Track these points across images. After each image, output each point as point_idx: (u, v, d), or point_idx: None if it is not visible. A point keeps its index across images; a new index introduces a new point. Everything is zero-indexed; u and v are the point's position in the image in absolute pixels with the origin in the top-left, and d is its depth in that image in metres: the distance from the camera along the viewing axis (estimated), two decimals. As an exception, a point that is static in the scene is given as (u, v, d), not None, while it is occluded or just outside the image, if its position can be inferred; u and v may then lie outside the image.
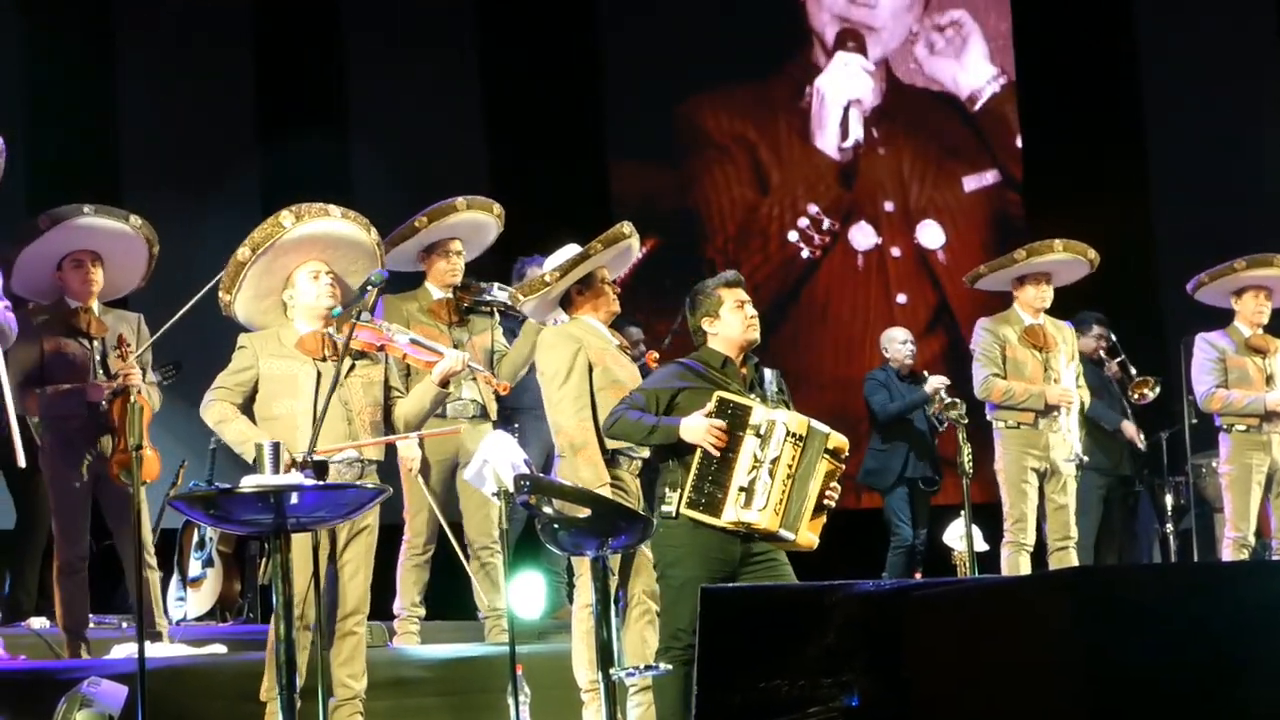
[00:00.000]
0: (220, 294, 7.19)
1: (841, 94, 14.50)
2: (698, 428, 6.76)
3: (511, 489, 6.69)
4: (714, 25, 14.32)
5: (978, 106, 14.69)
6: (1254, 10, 14.29)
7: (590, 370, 7.67)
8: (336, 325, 7.06)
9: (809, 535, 6.88)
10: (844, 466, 6.99)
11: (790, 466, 6.76)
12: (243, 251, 7.06)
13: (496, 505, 7.79)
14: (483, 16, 13.92)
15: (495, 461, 6.86)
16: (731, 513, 6.74)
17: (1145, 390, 11.11)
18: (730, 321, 7.02)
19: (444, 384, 7.19)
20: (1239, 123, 14.16)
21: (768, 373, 7.12)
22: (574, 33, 14.03)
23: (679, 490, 6.82)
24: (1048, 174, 14.34)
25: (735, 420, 6.77)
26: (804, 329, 14.15)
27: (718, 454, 6.75)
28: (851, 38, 14.59)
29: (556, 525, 6.59)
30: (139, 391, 8.20)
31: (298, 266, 7.15)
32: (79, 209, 8.37)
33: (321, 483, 6.21)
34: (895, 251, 14.47)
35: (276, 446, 6.24)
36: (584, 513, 6.63)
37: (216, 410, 7.05)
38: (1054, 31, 14.35)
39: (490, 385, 8.40)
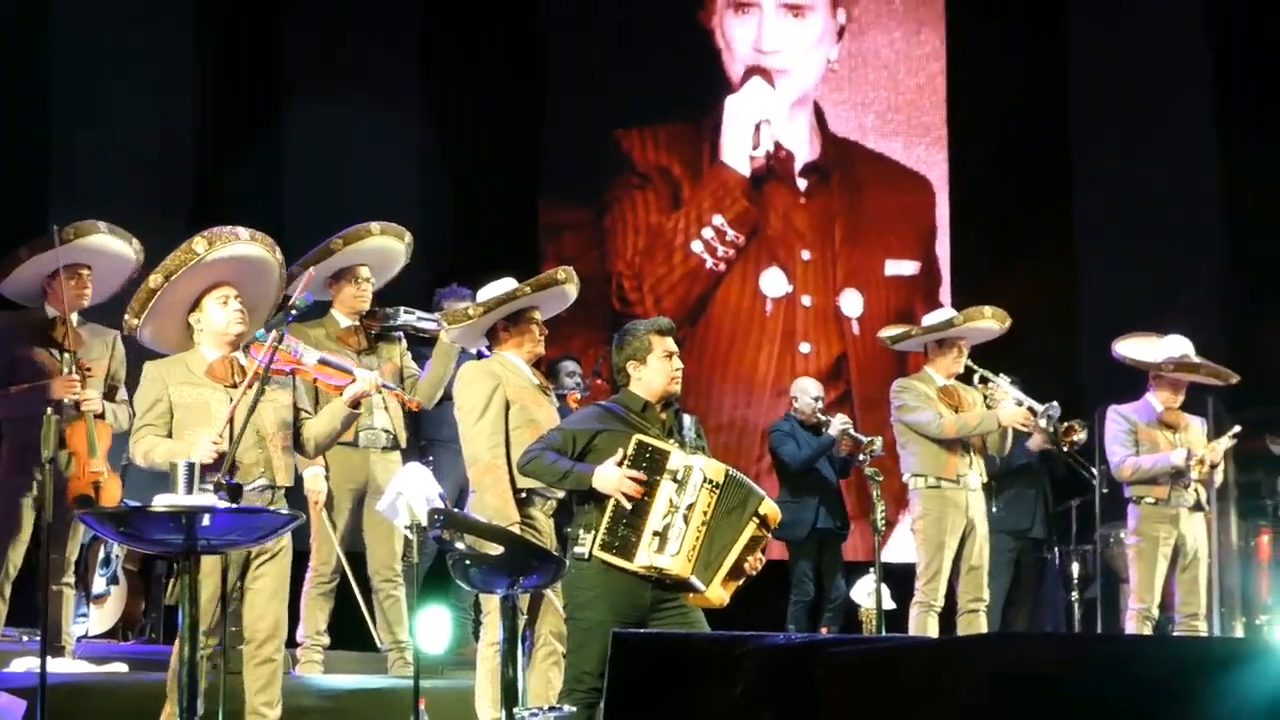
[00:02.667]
0: (128, 318, 7.12)
1: (752, 113, 14.54)
2: (610, 477, 6.75)
3: (425, 523, 6.66)
4: (646, 69, 14.35)
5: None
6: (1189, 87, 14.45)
7: (507, 408, 7.67)
8: (262, 344, 7.02)
9: (720, 591, 6.87)
10: (769, 536, 7.00)
11: (705, 514, 6.76)
12: (155, 279, 7.00)
13: (401, 537, 7.81)
14: (423, 51, 13.91)
15: (409, 494, 6.84)
16: (644, 557, 6.74)
17: (1074, 435, 11.16)
18: (655, 369, 7.02)
19: (354, 405, 7.17)
20: (1168, 196, 14.30)
21: (686, 419, 7.13)
22: (514, 75, 14.01)
23: (593, 532, 6.80)
24: (972, 255, 14.43)
25: (653, 465, 6.77)
26: (706, 368, 14.15)
27: (629, 505, 6.74)
28: (761, 74, 14.68)
29: (468, 561, 6.57)
30: (98, 416, 8.21)
31: (206, 291, 7.09)
32: (96, 226, 8.49)
33: (235, 505, 6.17)
34: (806, 300, 14.49)
35: (191, 467, 6.19)
36: (497, 550, 6.61)
37: (143, 444, 6.98)
38: (984, 97, 14.44)
39: (403, 403, 8.39)
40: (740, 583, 6.93)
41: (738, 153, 14.50)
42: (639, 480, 6.73)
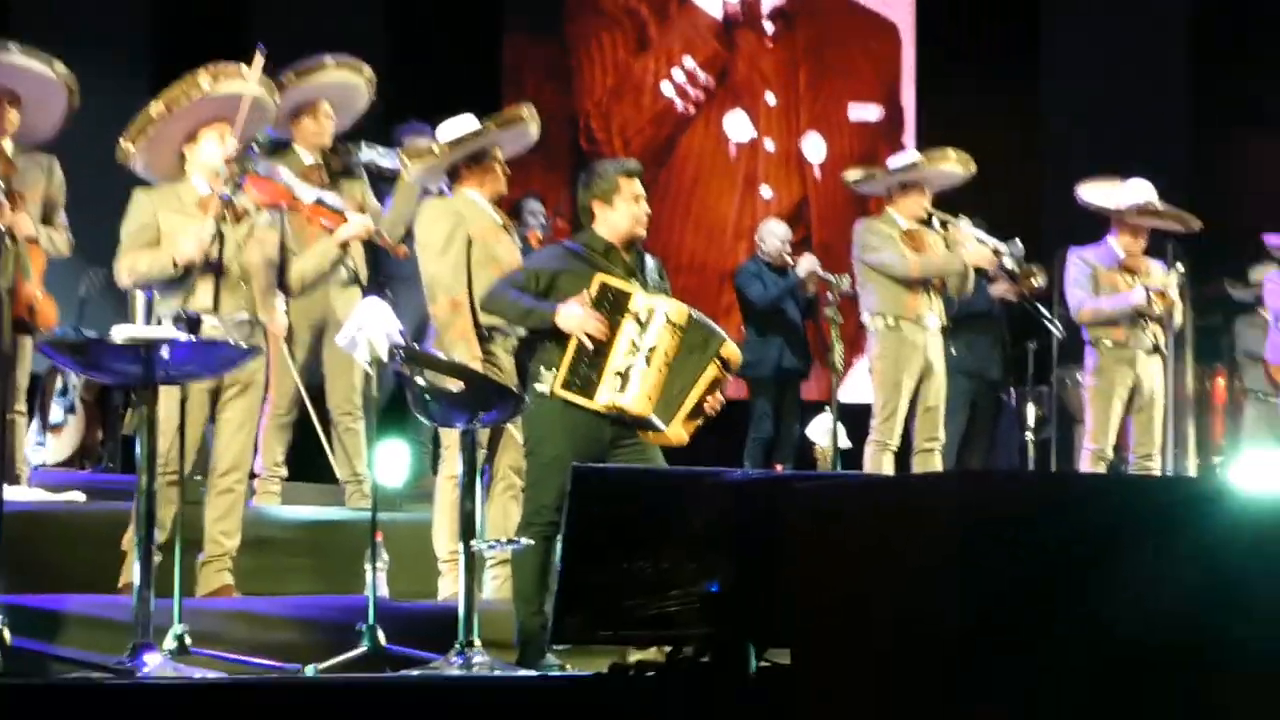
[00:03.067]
0: (122, 142, 7.11)
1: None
2: (574, 316, 6.74)
3: (385, 358, 6.66)
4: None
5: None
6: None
7: (470, 245, 7.64)
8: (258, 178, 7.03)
9: (680, 431, 6.90)
10: (730, 377, 7.01)
11: (667, 355, 6.77)
12: (156, 106, 7.01)
13: (361, 371, 7.81)
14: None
15: (370, 329, 6.83)
16: (606, 396, 6.75)
17: (1034, 280, 11.18)
18: (622, 211, 6.98)
19: (343, 246, 7.17)
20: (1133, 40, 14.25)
21: (649, 261, 7.12)
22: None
23: (554, 370, 6.80)
24: (940, 97, 14.35)
25: (615, 305, 6.76)
26: (669, 210, 14.10)
27: (591, 345, 6.74)
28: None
29: (428, 396, 6.57)
30: (32, 240, 8.09)
31: (204, 125, 7.10)
32: (4, 45, 8.16)
33: (194, 338, 6.15)
34: (769, 145, 14.44)
35: (150, 299, 6.19)
36: (457, 385, 6.61)
37: (123, 263, 6.98)
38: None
39: (391, 251, 8.37)
40: (700, 422, 6.96)
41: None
42: (603, 320, 6.73)
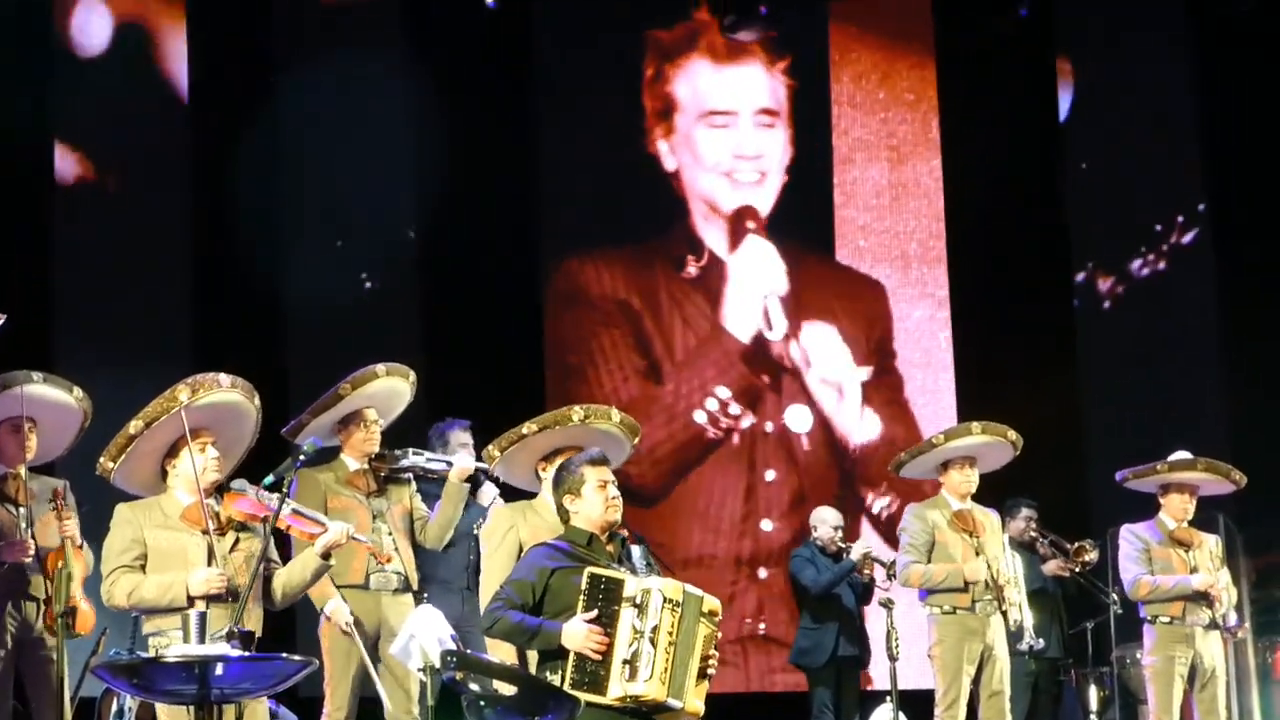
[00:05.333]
0: (103, 460, 7.17)
1: (758, 284, 14.54)
2: (578, 634, 6.69)
3: (438, 664, 6.66)
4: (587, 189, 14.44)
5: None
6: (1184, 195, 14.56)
7: (520, 549, 7.71)
8: (236, 494, 7.08)
9: (695, 702, 6.83)
10: (719, 631, 6.98)
11: (671, 634, 6.72)
12: (135, 424, 7.06)
13: (417, 679, 7.79)
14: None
15: (422, 636, 6.84)
16: (618, 688, 6.68)
17: (1085, 555, 11.14)
18: (592, 501, 6.98)
19: (325, 556, 7.20)
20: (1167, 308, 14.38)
21: (635, 548, 7.13)
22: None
23: (559, 672, 6.76)
24: (978, 364, 14.44)
25: (609, 594, 6.72)
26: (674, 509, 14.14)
27: (599, 656, 6.71)
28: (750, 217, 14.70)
29: (483, 703, 6.55)
30: (79, 545, 8.17)
31: (183, 437, 7.12)
32: (29, 375, 8.34)
33: (247, 654, 6.17)
34: (768, 427, 14.48)
35: (203, 616, 6.22)
36: (511, 690, 6.59)
37: (124, 584, 7.01)
38: (984, 212, 14.50)
39: (375, 557, 8.38)
40: (707, 685, 6.90)
41: (742, 324, 14.49)
42: (601, 634, 6.67)
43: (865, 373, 14.49)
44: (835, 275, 14.64)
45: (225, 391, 7.18)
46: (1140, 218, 14.57)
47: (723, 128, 14.62)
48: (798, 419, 14.34)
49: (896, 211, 14.65)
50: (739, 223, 14.56)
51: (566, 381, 14.04)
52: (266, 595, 7.19)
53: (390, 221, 13.95)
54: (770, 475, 14.26)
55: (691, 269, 14.49)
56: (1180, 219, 14.52)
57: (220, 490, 7.18)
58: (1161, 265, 14.53)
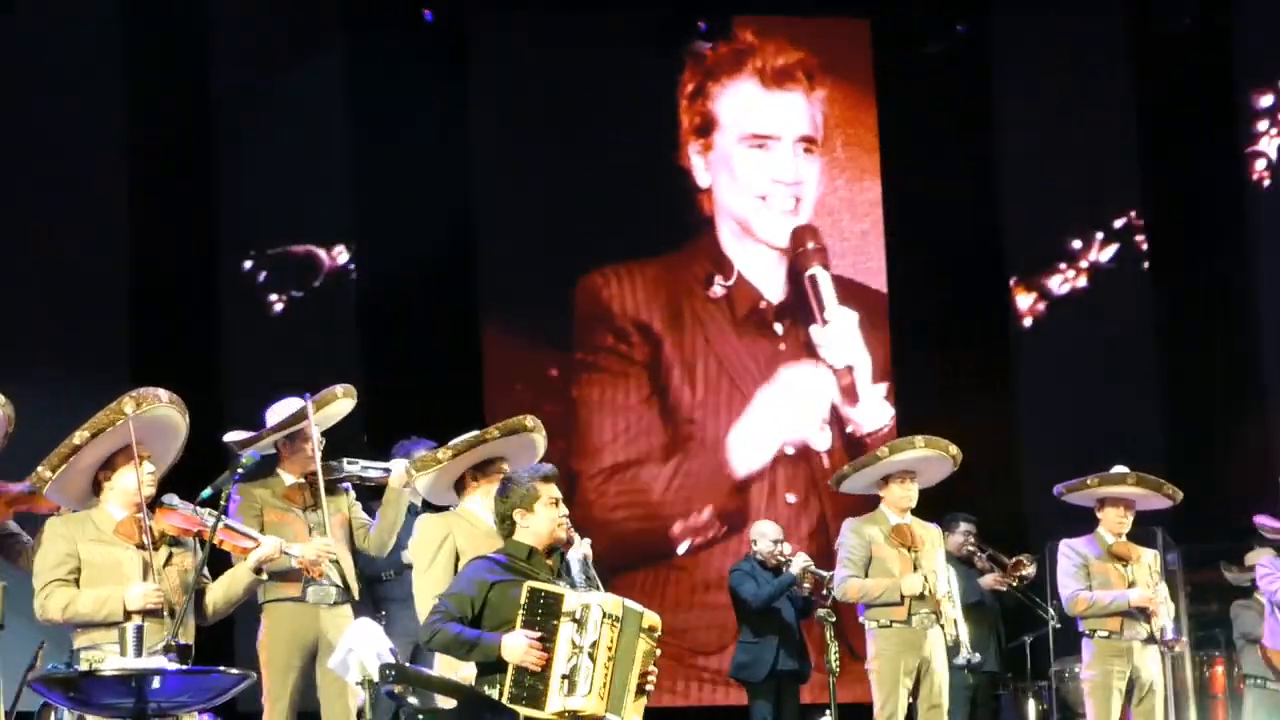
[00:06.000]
0: (42, 470, 7.11)
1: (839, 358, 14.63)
2: (517, 647, 6.67)
3: (376, 678, 6.63)
4: (606, 209, 14.49)
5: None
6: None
7: (457, 559, 7.68)
8: (168, 509, 7.05)
9: (633, 718, 6.84)
10: (658, 647, 6.98)
11: (610, 649, 6.72)
12: (80, 435, 7.02)
13: (356, 693, 7.76)
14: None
15: (360, 650, 6.81)
16: (557, 702, 6.66)
17: (1023, 569, 11.19)
18: (542, 517, 6.97)
19: (257, 570, 7.18)
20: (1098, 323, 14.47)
21: (574, 562, 7.12)
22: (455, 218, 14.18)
23: (498, 686, 6.74)
24: (915, 381, 14.49)
25: (548, 609, 6.71)
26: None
27: (538, 668, 6.69)
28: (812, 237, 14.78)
29: (421, 716, 6.53)
30: None
31: (121, 450, 7.11)
32: None
33: (185, 667, 6.13)
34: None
35: (140, 629, 6.19)
36: (449, 704, 6.58)
37: (59, 598, 6.95)
38: (923, 237, 14.56)
39: (309, 571, 8.35)
40: (645, 701, 6.89)
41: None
42: (540, 647, 6.66)
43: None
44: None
45: (165, 406, 7.16)
46: (1066, 232, 14.65)
47: (761, 150, 14.69)
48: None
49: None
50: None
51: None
52: (199, 610, 7.15)
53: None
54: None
55: (718, 288, 14.55)
56: (1100, 235, 14.62)
57: (150, 505, 7.14)
58: (1085, 281, 14.62)
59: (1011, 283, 14.65)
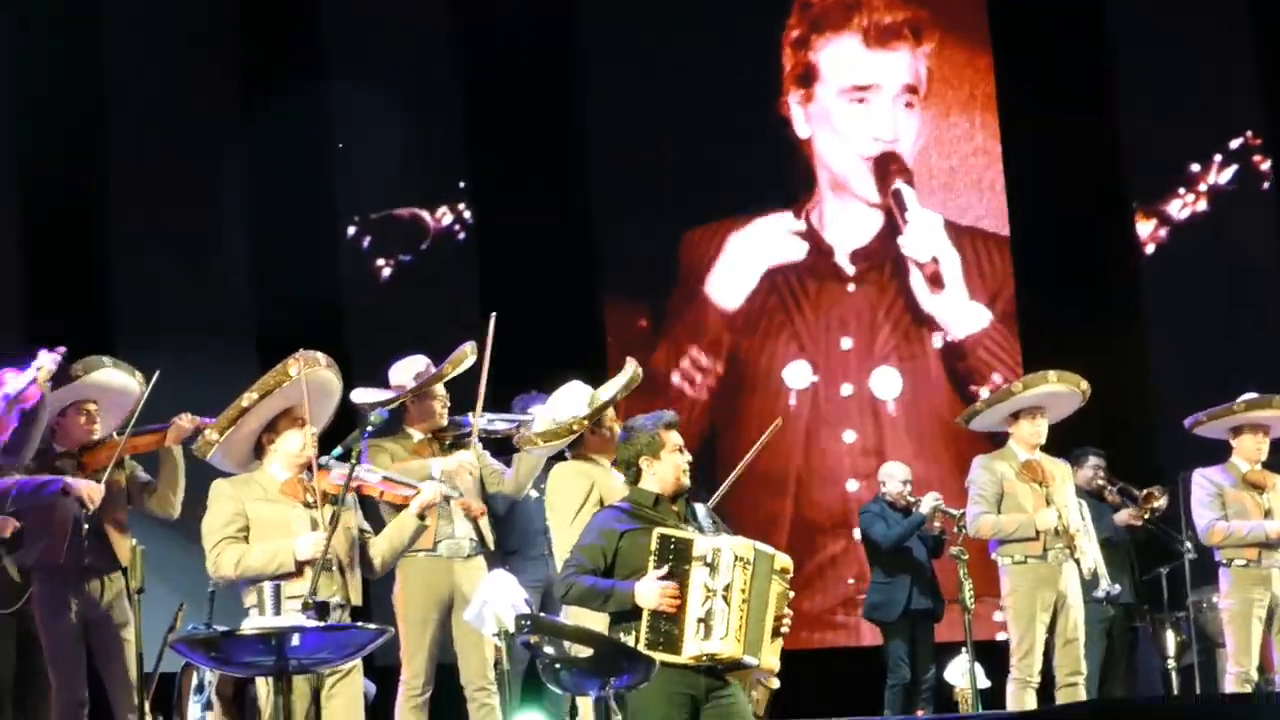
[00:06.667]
0: (211, 433, 7.22)
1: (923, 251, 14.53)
2: (650, 592, 6.68)
3: (512, 629, 6.67)
4: (711, 161, 14.42)
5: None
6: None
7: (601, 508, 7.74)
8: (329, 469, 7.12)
9: (771, 659, 6.84)
10: (791, 588, 6.97)
11: (744, 591, 6.71)
12: (249, 396, 7.11)
13: (493, 645, 7.81)
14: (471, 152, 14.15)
15: (495, 602, 6.86)
16: (693, 646, 6.67)
17: (1155, 502, 11.11)
18: (667, 464, 6.98)
19: (421, 516, 7.22)
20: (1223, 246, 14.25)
21: (699, 508, 7.11)
22: (567, 166, 14.20)
23: (633, 633, 6.76)
24: (1040, 317, 14.34)
25: (679, 554, 6.71)
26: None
27: (672, 612, 6.69)
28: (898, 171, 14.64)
29: (558, 665, 6.56)
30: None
31: (283, 413, 7.20)
32: (101, 361, 8.52)
33: (323, 624, 6.20)
34: (846, 390, 14.42)
35: (277, 588, 6.26)
36: (585, 652, 6.60)
37: (231, 554, 7.01)
38: (1043, 176, 14.38)
39: (468, 511, 8.44)
40: (781, 643, 6.89)
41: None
42: (675, 588, 6.68)
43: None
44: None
45: (324, 369, 7.29)
46: (1185, 156, 14.40)
47: (862, 104, 14.60)
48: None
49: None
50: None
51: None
52: (366, 564, 7.23)
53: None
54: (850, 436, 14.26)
55: (814, 240, 14.51)
56: (1219, 157, 14.37)
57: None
58: (1205, 205, 14.37)
59: (1134, 210, 14.43)
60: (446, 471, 8.48)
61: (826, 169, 14.57)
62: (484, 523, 8.81)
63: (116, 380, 8.55)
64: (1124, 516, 11.49)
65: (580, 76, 14.49)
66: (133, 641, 8.17)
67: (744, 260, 14.48)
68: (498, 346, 8.90)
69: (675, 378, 14.32)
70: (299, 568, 6.90)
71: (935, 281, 14.33)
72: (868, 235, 14.47)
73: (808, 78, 14.63)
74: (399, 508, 7.34)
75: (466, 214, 14.37)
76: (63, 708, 8.28)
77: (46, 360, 7.79)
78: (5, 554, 8.43)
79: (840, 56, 14.61)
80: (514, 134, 13.96)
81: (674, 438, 7.02)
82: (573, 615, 7.42)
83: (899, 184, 14.44)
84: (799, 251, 14.47)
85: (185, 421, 8.40)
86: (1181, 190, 14.31)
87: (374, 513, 7.85)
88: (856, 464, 14.01)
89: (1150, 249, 14.36)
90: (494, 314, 8.40)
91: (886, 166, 14.50)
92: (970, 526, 9.88)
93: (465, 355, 8.93)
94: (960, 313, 14.31)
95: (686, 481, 7.05)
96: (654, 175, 14.50)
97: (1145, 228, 14.40)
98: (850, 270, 14.43)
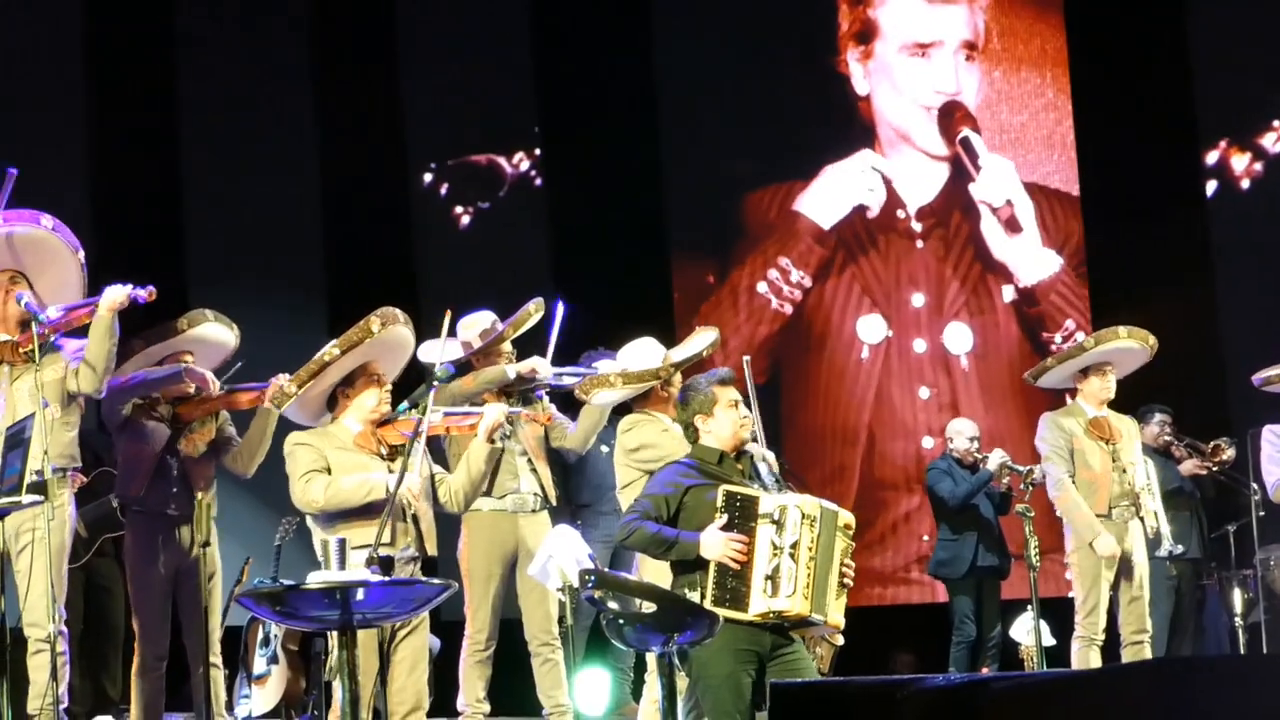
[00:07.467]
0: (290, 385, 7.29)
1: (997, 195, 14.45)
2: (715, 544, 6.69)
3: (576, 584, 6.67)
4: (774, 119, 14.36)
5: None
6: None
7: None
8: (400, 421, 7.16)
9: (837, 615, 6.85)
10: (854, 544, 6.96)
11: (811, 549, 6.71)
12: (331, 351, 7.17)
13: (556, 599, 7.83)
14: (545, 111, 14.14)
15: (560, 557, 6.87)
16: (760, 604, 6.69)
17: (1223, 454, 11.03)
18: (723, 420, 6.99)
19: (490, 440, 7.25)
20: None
21: (762, 466, 7.08)
22: (636, 126, 14.14)
23: (699, 589, 6.76)
24: (1109, 267, 14.21)
25: (745, 511, 6.73)
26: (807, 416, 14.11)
27: (738, 566, 6.70)
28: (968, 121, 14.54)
29: (622, 621, 6.56)
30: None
31: (363, 369, 7.27)
32: (205, 315, 8.57)
33: (388, 578, 6.22)
34: (919, 346, 14.34)
35: (342, 543, 6.28)
36: (650, 608, 6.60)
37: (319, 481, 7.07)
38: (1115, 126, 14.23)
39: (535, 420, 8.50)
40: (845, 598, 6.89)
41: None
42: (741, 541, 6.71)
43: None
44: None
45: (402, 326, 7.36)
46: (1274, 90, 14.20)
47: (923, 59, 14.51)
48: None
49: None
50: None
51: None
52: (446, 502, 7.31)
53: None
54: (925, 393, 14.20)
55: (881, 197, 14.42)
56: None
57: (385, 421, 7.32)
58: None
59: (1215, 148, 14.24)
60: (520, 373, 8.55)
61: (887, 124, 14.48)
62: (547, 477, 8.83)
63: (218, 334, 8.61)
64: (1189, 466, 11.43)
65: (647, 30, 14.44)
66: (218, 592, 8.23)
67: (834, 192, 14.44)
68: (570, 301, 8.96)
69: (762, 287, 14.29)
70: (388, 498, 6.93)
71: (1011, 226, 14.24)
72: (933, 191, 14.37)
73: (866, 35, 14.53)
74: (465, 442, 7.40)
75: (541, 160, 14.34)
76: (142, 660, 8.32)
77: (120, 294, 7.70)
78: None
79: (900, 12, 14.51)
80: (585, 84, 13.93)
81: (729, 394, 7.02)
82: (644, 572, 7.45)
83: (966, 131, 14.34)
84: (879, 195, 14.42)
85: (284, 382, 8.42)
86: (1276, 124, 14.11)
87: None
88: (931, 420, 13.95)
89: (1245, 184, 14.16)
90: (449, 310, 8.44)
91: (951, 114, 14.39)
92: (1053, 489, 9.76)
93: (529, 315, 8.96)
94: (1033, 257, 14.22)
95: (746, 435, 7.05)
96: (714, 134, 14.43)
97: (1240, 161, 14.19)
98: (917, 228, 14.34)
